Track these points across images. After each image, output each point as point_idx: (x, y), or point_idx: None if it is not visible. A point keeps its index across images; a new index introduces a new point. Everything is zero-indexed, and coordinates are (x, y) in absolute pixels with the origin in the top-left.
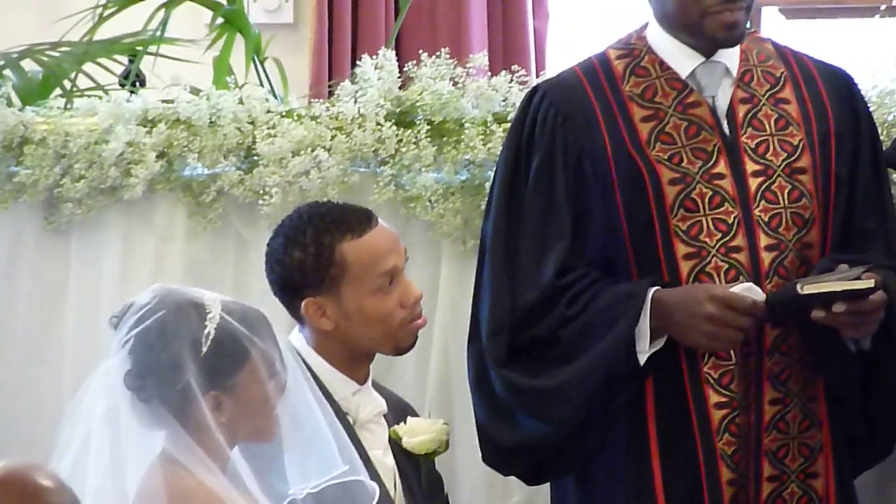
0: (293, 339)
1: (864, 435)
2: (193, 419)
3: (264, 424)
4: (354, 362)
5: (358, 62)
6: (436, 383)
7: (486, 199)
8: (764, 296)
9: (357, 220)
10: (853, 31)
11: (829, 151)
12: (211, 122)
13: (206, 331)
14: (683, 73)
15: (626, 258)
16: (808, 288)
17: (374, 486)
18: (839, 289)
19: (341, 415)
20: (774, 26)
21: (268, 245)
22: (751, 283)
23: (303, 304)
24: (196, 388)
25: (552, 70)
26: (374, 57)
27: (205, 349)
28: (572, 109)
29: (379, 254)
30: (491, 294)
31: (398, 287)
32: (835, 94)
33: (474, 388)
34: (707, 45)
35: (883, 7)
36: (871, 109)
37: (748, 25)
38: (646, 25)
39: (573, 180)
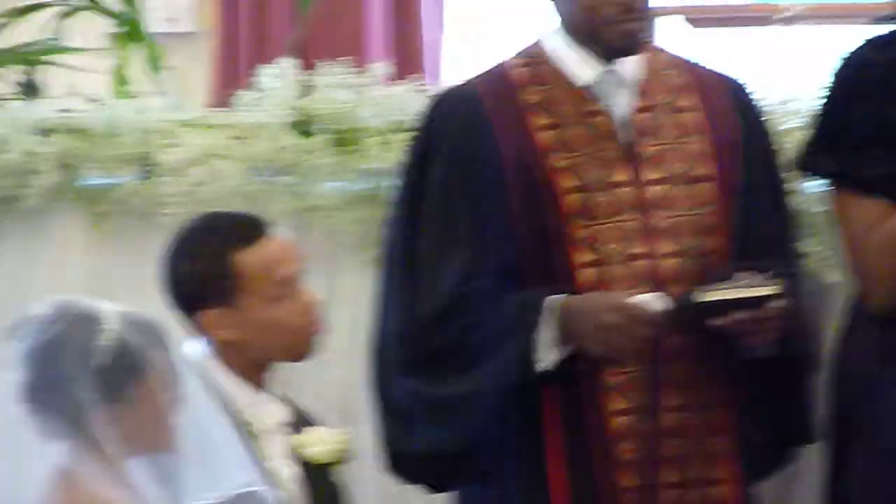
0: (191, 349)
1: (767, 441)
2: (90, 432)
3: (161, 436)
4: (255, 371)
5: (258, 71)
6: (337, 392)
7: (402, 208)
8: (665, 304)
9: (250, 228)
10: (757, 38)
11: (728, 159)
12: (109, 132)
13: (102, 343)
14: (584, 82)
15: (526, 267)
16: (707, 296)
17: (275, 496)
18: (738, 297)
19: (242, 424)
20: (679, 35)
21: (162, 257)
22: (652, 292)
23: (200, 315)
24: (92, 400)
25: (450, 79)
26: (275, 66)
27: (101, 362)
28: (473, 119)
29: (274, 262)
30: (392, 303)
31: (296, 295)
32: (731, 103)
33: (375, 397)
34: (607, 54)
35: (785, 14)
36: (768, 117)
37: (648, 35)
38: (547, 35)
39: (473, 190)
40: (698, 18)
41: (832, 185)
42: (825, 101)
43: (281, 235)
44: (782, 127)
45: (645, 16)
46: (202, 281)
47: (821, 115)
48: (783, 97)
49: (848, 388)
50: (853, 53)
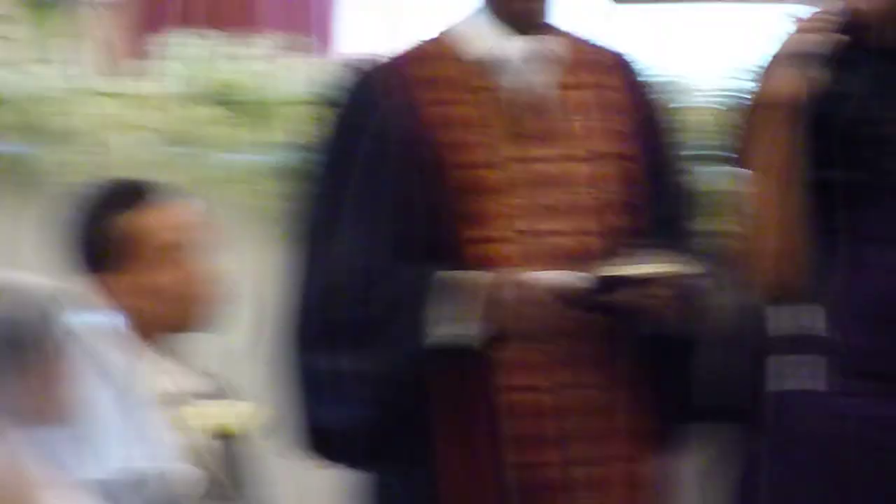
0: (95, 318)
1: (668, 421)
2: None
3: (58, 408)
4: (158, 340)
5: (170, 41)
6: (243, 365)
7: (299, 181)
8: (574, 281)
9: (133, 194)
10: (682, 16)
11: (643, 138)
12: (10, 99)
13: None
14: (504, 59)
15: (436, 242)
16: (613, 272)
17: (185, 467)
18: (644, 273)
19: (145, 395)
20: (603, 13)
21: (58, 225)
22: (562, 269)
23: (96, 282)
24: None
25: (361, 55)
26: (187, 36)
27: None
28: (383, 93)
29: (155, 227)
30: (303, 276)
31: (182, 263)
32: (630, 82)
33: (284, 372)
34: (519, 29)
35: None
36: (673, 96)
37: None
38: (465, 12)
39: (385, 166)
40: None
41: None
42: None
43: (170, 202)
44: (689, 105)
45: None
46: (94, 248)
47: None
48: (691, 75)
49: (756, 374)
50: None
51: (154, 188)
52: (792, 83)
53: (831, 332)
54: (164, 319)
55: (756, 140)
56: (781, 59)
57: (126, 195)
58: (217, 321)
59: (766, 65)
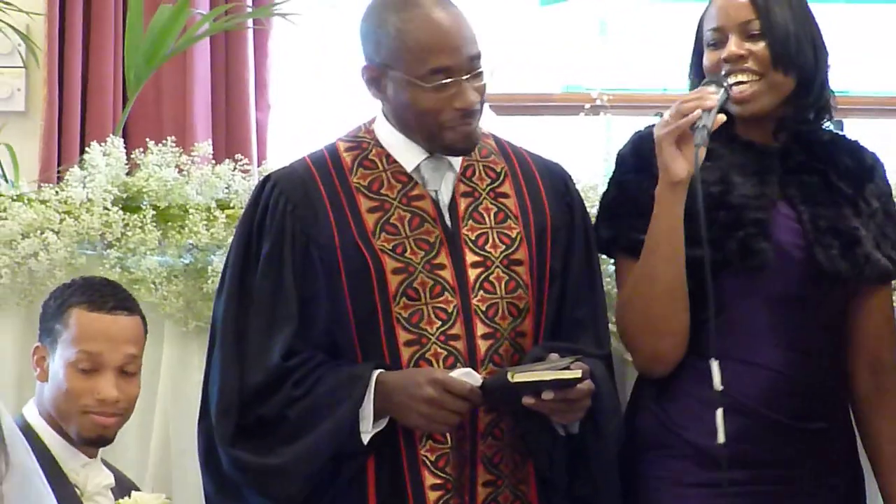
0: (27, 411)
1: None
2: None
3: None
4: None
5: (87, 149)
6: (157, 459)
7: (212, 282)
8: (480, 381)
9: (105, 300)
10: (561, 127)
11: (544, 244)
12: None
13: None
14: (409, 167)
15: (352, 343)
16: (518, 376)
17: None
18: (548, 378)
19: (69, 487)
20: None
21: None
22: (469, 369)
23: (33, 347)
24: None
25: (273, 159)
26: (103, 144)
27: None
28: (301, 199)
29: (92, 334)
30: (220, 374)
31: (98, 379)
32: (552, 189)
33: (203, 464)
34: (445, 153)
35: (587, 105)
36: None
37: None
38: (374, 119)
39: (301, 267)
40: (505, 106)
41: (610, 252)
42: (609, 179)
43: (123, 321)
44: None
45: (478, 117)
46: (45, 315)
47: (605, 190)
48: (587, 184)
49: (633, 463)
50: (630, 140)
51: (122, 303)
52: (679, 164)
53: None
54: (56, 411)
55: (654, 221)
56: (671, 137)
57: (94, 296)
58: (97, 436)
59: (658, 143)
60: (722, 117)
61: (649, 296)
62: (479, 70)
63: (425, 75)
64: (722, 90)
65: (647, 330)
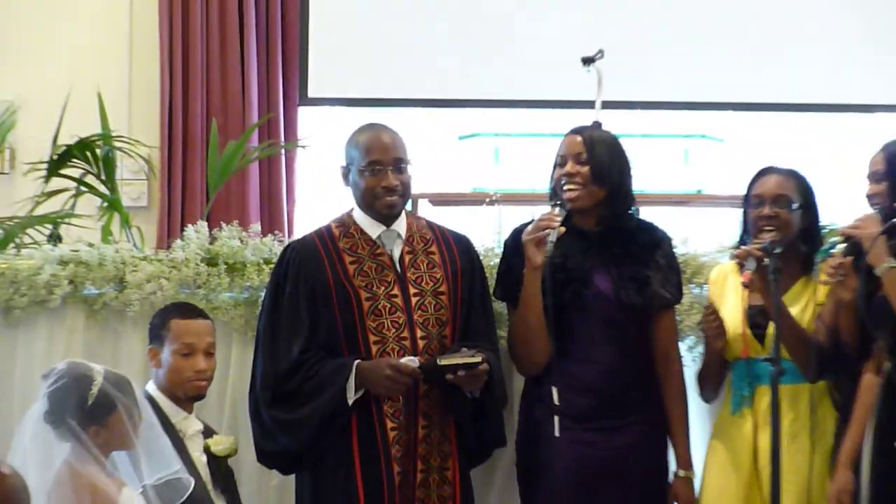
0: (148, 387)
1: (475, 445)
2: (84, 441)
3: (128, 441)
4: (183, 401)
5: (185, 229)
6: (229, 417)
7: (260, 309)
8: (419, 364)
9: (190, 312)
10: (471, 213)
11: (457, 282)
12: (99, 263)
13: (91, 390)
14: (374, 236)
15: (340, 345)
16: (443, 361)
17: (191, 478)
18: (461, 362)
19: (175, 432)
20: (424, 210)
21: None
22: (412, 357)
23: (148, 348)
24: (84, 423)
25: (299, 233)
26: (194, 225)
27: (91, 401)
28: (309, 257)
29: (186, 333)
30: (261, 364)
31: (194, 358)
32: (461, 250)
33: (252, 419)
34: (380, 220)
35: (487, 200)
36: (482, 260)
37: (409, 208)
38: (352, 209)
39: (309, 299)
40: (437, 200)
41: (503, 300)
42: (500, 257)
43: (202, 323)
44: (489, 264)
45: (400, 194)
46: (153, 327)
47: (499, 264)
48: (489, 247)
49: (527, 435)
50: (511, 233)
51: (200, 313)
52: (537, 257)
53: (560, 398)
54: (172, 386)
55: (524, 287)
56: (532, 242)
57: (184, 310)
58: (198, 394)
59: (524, 244)
60: (562, 229)
61: (524, 329)
62: (402, 166)
63: (366, 166)
64: (564, 211)
65: (524, 348)
